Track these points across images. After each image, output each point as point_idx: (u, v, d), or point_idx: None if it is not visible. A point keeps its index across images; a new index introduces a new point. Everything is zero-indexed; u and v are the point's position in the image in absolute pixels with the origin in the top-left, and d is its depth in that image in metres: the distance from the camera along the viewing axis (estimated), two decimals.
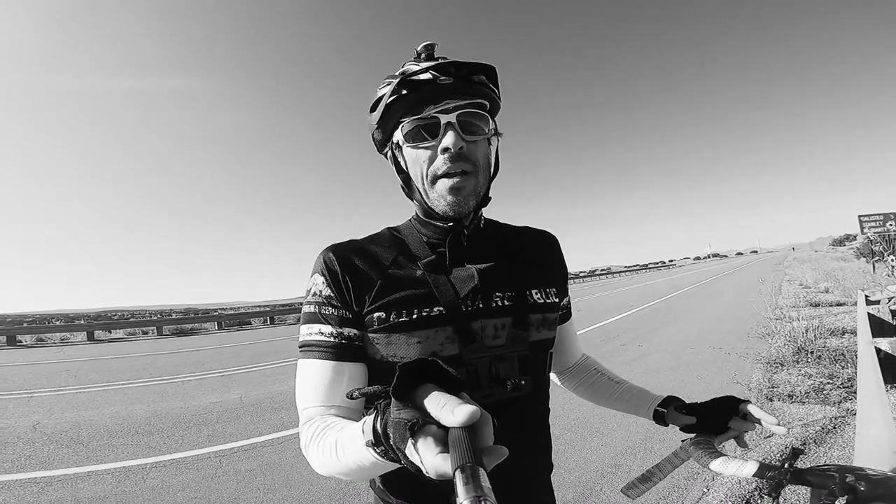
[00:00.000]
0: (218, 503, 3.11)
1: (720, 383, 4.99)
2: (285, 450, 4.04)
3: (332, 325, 0.80)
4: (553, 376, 1.12)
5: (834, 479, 0.76)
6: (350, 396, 0.54)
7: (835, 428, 3.45)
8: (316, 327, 0.80)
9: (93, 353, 13.01)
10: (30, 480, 3.61)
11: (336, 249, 0.85)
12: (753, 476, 0.78)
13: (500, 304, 0.83)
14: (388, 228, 0.94)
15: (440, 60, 0.80)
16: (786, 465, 0.79)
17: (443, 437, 0.42)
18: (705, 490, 2.73)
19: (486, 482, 0.35)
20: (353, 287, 0.81)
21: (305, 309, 0.83)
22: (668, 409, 0.93)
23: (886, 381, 2.35)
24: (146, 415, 5.55)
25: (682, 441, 0.89)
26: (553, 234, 1.04)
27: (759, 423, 0.86)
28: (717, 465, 0.81)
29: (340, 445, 0.63)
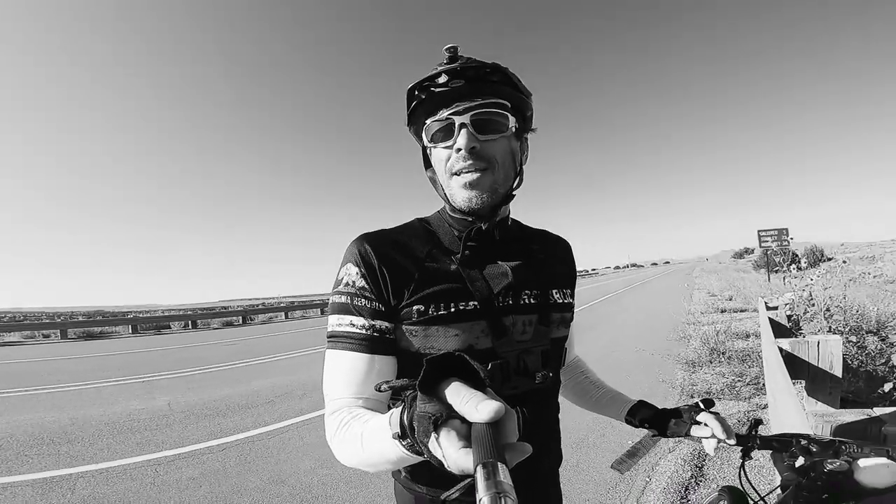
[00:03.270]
0: None
1: (647, 383, 5.40)
2: (228, 457, 3.87)
3: (364, 317, 0.80)
4: None
5: (792, 444, 0.94)
6: (378, 389, 0.56)
7: (748, 421, 3.86)
8: (347, 318, 0.81)
9: None
10: None
11: (372, 240, 0.85)
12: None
13: (527, 301, 0.87)
14: (419, 219, 0.95)
15: (458, 63, 0.81)
16: (753, 433, 0.97)
17: (466, 432, 0.43)
18: (647, 480, 2.97)
19: (507, 479, 0.35)
20: (391, 279, 0.81)
21: (335, 299, 0.83)
22: (635, 419, 1.01)
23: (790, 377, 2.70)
24: (63, 423, 5.09)
25: None
26: (567, 240, 1.10)
27: (712, 432, 0.91)
28: (695, 430, 0.93)
29: (366, 437, 0.64)
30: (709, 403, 0.99)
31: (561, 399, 1.01)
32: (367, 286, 0.81)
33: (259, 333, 15.59)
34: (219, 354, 10.58)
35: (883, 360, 3.90)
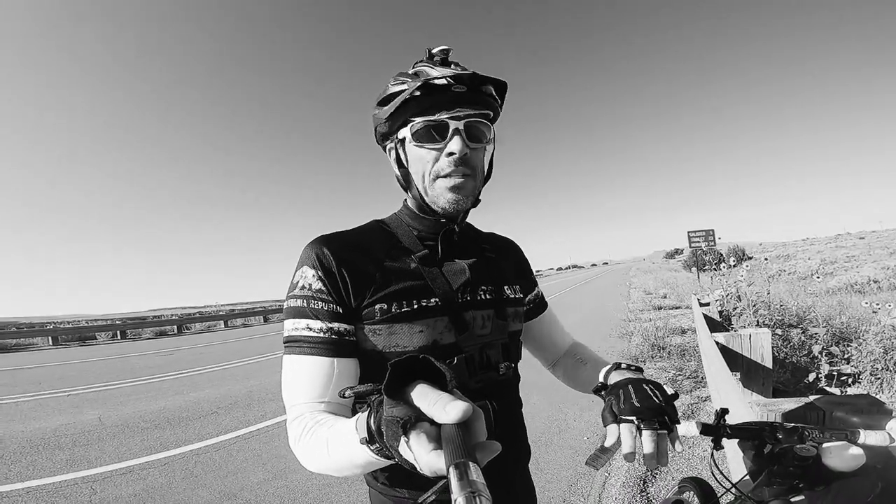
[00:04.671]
0: None
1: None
2: (172, 471, 3.65)
3: (321, 320, 0.79)
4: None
5: (760, 432, 0.99)
6: (342, 395, 0.56)
7: (693, 413, 4.10)
8: (303, 322, 0.80)
9: None
10: None
11: (329, 242, 0.85)
12: (700, 434, 0.98)
13: (484, 297, 0.90)
14: (376, 221, 0.96)
15: (454, 67, 0.83)
16: (721, 422, 1.00)
17: (436, 434, 0.43)
18: (607, 474, 3.06)
19: (479, 478, 0.36)
20: (351, 280, 0.81)
21: (291, 303, 0.82)
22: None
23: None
24: None
25: None
26: (514, 240, 1.15)
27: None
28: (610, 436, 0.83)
29: (332, 442, 0.64)
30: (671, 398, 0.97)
31: (524, 393, 1.00)
32: (324, 288, 0.80)
33: (197, 343, 14.78)
34: (153, 365, 9.93)
35: (805, 352, 4.26)
